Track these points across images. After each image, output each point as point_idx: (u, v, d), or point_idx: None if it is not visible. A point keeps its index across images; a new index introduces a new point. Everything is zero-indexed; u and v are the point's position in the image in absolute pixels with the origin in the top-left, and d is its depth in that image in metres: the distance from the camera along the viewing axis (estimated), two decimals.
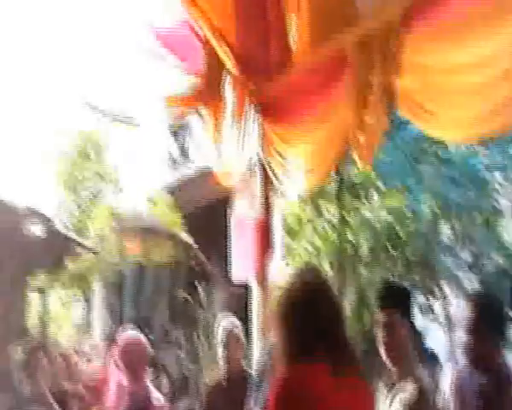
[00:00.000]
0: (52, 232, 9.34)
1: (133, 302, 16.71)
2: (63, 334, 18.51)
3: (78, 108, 18.37)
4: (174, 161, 18.05)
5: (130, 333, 7.67)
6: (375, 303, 5.20)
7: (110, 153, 18.70)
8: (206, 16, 5.95)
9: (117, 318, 17.08)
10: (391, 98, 4.49)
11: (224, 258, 12.81)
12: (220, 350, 6.70)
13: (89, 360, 11.74)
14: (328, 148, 5.35)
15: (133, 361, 7.02)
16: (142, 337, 6.99)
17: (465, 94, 4.09)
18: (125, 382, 7.43)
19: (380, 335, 4.73)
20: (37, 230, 9.14)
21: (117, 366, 7.66)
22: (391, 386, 4.72)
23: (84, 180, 17.85)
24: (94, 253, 13.13)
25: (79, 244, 12.19)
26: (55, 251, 11.35)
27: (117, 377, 7.69)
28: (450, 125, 4.29)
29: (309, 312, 3.71)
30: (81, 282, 16.18)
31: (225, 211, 11.82)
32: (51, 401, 7.56)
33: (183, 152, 18.57)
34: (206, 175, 13.36)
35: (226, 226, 11.17)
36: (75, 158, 18.25)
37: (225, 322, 6.78)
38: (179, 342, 15.38)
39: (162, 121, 15.22)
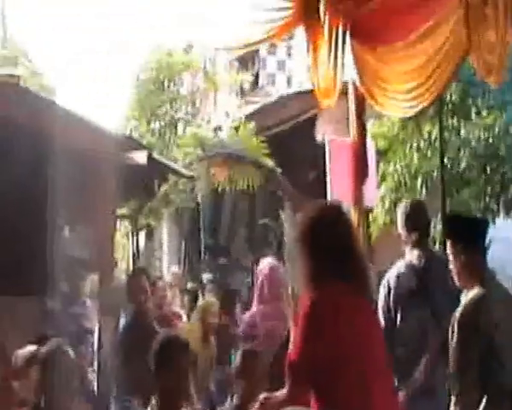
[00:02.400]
0: (151, 160, 9.38)
1: (211, 230, 16.83)
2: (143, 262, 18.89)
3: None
4: (246, 92, 18.05)
5: (270, 261, 8.00)
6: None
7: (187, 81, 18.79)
8: None
9: (195, 246, 17.27)
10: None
11: (307, 182, 12.90)
12: None
13: (170, 287, 12.01)
14: (432, 67, 5.26)
15: (275, 286, 7.24)
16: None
17: None
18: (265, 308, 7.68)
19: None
20: (140, 158, 9.19)
21: (260, 292, 7.90)
22: None
23: (163, 107, 17.95)
24: (189, 178, 13.19)
25: (176, 172, 12.25)
26: (151, 180, 11.47)
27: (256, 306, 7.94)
28: None
29: (331, 239, 4.14)
30: (157, 212, 16.38)
31: (308, 136, 11.83)
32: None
33: (256, 82, 18.56)
34: (288, 100, 13.43)
35: (309, 150, 11.19)
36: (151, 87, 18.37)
37: None
38: (252, 270, 15.57)
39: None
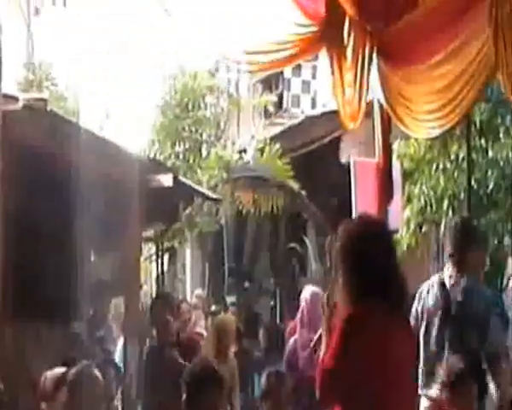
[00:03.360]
0: (176, 183, 9.40)
1: (235, 253, 16.82)
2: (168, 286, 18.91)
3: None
4: (270, 113, 18.08)
5: (313, 288, 8.03)
6: None
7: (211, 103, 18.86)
8: None
9: (218, 269, 17.26)
10: None
11: (331, 205, 12.88)
12: None
13: (195, 309, 12.03)
14: (459, 86, 5.26)
15: (315, 314, 7.26)
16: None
17: None
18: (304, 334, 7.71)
19: None
20: (165, 180, 9.23)
21: (301, 320, 7.96)
22: None
23: (187, 130, 18.03)
24: (215, 201, 13.22)
25: (200, 194, 12.27)
26: (176, 202, 11.48)
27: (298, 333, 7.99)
28: None
29: (371, 257, 4.09)
30: (182, 235, 16.41)
31: (333, 157, 11.83)
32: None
33: (281, 103, 18.59)
34: (313, 122, 13.44)
35: (333, 172, 11.17)
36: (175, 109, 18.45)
37: None
38: (274, 292, 15.55)
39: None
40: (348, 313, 4.05)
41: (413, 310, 6.37)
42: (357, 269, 4.12)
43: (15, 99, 7.24)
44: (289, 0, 6.18)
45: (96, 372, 5.67)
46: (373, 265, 4.09)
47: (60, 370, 5.98)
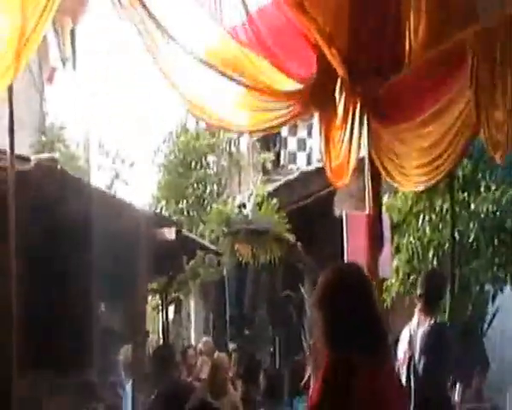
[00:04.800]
0: (180, 236, 9.40)
1: (236, 302, 16.79)
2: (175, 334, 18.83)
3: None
4: (268, 170, 18.15)
5: None
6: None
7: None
8: (316, 22, 5.79)
9: (221, 317, 17.20)
10: None
11: (326, 256, 12.81)
12: None
13: (201, 354, 11.99)
14: (444, 144, 5.24)
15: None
16: None
17: None
18: None
19: None
20: (169, 234, 9.23)
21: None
22: None
23: (190, 188, 18.13)
24: (217, 254, 13.24)
25: (203, 247, 12.29)
26: (180, 255, 11.47)
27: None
28: None
29: (352, 306, 3.83)
30: (185, 286, 16.42)
31: (326, 211, 11.80)
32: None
33: (278, 160, 18.68)
34: (308, 177, 13.45)
35: (327, 225, 11.13)
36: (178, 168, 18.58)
37: None
38: (273, 338, 15.47)
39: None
40: (326, 363, 3.84)
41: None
42: (331, 318, 3.89)
43: (27, 160, 7.25)
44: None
45: None
46: (348, 312, 3.85)
47: None
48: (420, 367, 6.41)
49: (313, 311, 4.05)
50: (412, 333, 6.57)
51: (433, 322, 6.59)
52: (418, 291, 6.78)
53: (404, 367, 6.48)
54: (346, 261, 5.10)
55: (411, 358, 6.49)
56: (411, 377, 6.41)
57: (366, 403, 3.75)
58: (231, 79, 5.17)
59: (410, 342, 6.53)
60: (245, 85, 5.35)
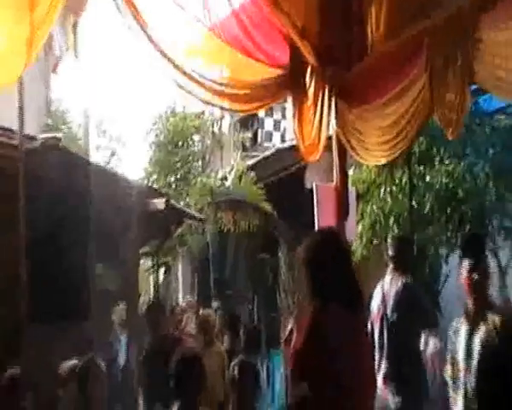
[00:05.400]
0: (169, 207, 9.45)
1: (219, 266, 16.84)
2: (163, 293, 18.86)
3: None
4: (247, 147, 18.18)
5: None
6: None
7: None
8: (289, 18, 5.84)
9: (206, 279, 17.25)
10: (469, 76, 4.45)
11: (298, 223, 12.88)
12: None
13: (185, 311, 12.06)
14: (403, 123, 5.29)
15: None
16: None
17: None
18: None
19: None
20: (159, 204, 9.28)
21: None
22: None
23: (178, 164, 18.18)
24: (201, 221, 13.29)
25: (191, 216, 12.33)
26: (169, 223, 11.51)
27: None
28: None
29: (326, 263, 4.07)
30: (174, 251, 16.45)
31: (299, 183, 11.86)
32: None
33: (256, 139, 18.72)
34: (282, 153, 13.49)
35: (300, 196, 11.19)
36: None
37: None
38: (252, 298, 15.56)
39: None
40: (311, 315, 4.03)
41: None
42: (315, 274, 4.10)
43: (34, 139, 7.30)
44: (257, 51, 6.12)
45: (101, 363, 5.66)
46: (328, 270, 4.07)
47: (72, 361, 5.98)
48: (392, 322, 6.41)
49: (300, 268, 4.18)
50: (385, 292, 6.55)
51: (405, 281, 6.59)
52: (390, 253, 6.78)
53: (378, 322, 6.48)
54: (325, 227, 5.22)
55: (385, 314, 6.48)
56: (384, 331, 6.41)
57: (345, 344, 3.92)
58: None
59: (383, 300, 6.52)
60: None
